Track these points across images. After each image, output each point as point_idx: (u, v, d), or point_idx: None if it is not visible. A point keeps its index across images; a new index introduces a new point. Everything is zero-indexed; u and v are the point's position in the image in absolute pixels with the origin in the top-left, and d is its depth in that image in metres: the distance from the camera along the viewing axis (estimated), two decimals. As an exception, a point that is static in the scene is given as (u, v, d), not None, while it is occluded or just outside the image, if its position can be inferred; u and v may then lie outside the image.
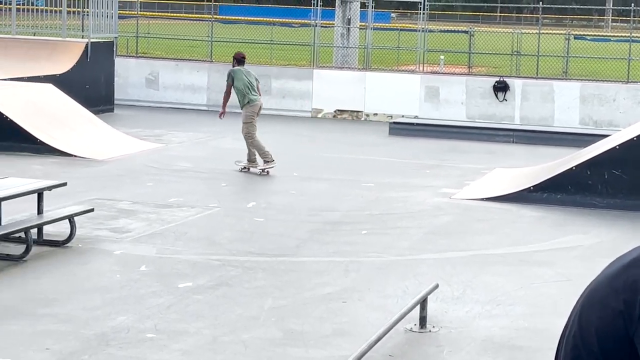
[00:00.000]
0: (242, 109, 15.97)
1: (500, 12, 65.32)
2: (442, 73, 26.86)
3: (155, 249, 10.67)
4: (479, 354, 7.72)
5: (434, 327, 8.27)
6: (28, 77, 20.10)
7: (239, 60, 16.21)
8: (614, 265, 2.62)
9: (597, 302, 2.57)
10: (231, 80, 15.94)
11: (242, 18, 40.57)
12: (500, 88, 23.24)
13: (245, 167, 15.76)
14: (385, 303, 8.94)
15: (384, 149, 19.24)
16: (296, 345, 7.79)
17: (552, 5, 47.43)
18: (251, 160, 15.70)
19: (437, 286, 8.73)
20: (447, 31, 33.89)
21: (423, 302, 8.25)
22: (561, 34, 29.66)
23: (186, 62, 25.96)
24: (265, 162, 15.54)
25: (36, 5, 25.15)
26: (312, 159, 17.52)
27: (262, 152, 15.58)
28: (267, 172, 15.52)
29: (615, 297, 2.53)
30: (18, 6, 24.18)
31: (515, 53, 27.86)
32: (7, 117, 16.70)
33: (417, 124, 21.76)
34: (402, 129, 21.40)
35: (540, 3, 27.42)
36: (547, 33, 29.57)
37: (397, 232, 11.94)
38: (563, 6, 53.50)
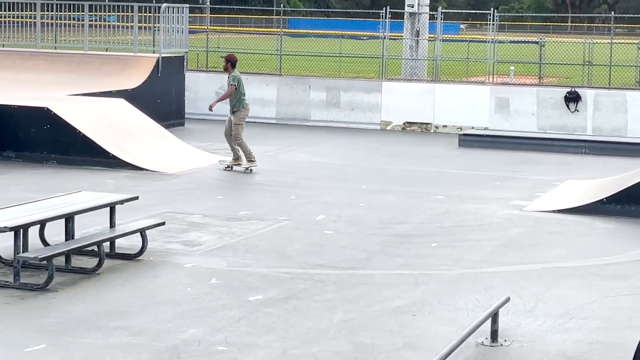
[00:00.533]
0: (233, 113, 17.06)
1: (571, 22, 64.74)
2: (512, 84, 26.65)
3: (225, 262, 10.73)
4: (551, 368, 7.61)
5: (505, 340, 8.18)
6: (100, 92, 20.39)
7: (234, 64, 17.17)
8: None
9: None
10: (237, 83, 17.02)
11: (311, 31, 40.71)
12: (572, 98, 22.99)
13: (229, 166, 16.96)
14: (456, 316, 8.87)
15: (453, 161, 19.13)
16: (366, 358, 7.75)
17: (624, 15, 46.84)
18: (236, 159, 16.96)
19: (508, 299, 8.63)
20: (517, 42, 33.64)
21: (494, 316, 8.16)
22: (634, 43, 29.26)
23: (255, 76, 26.10)
24: (249, 161, 16.82)
25: (108, 22, 25.52)
26: (381, 172, 17.49)
27: (247, 153, 16.84)
28: (251, 170, 16.76)
29: None
30: (90, 22, 24.56)
31: (587, 63, 27.55)
32: (80, 132, 16.95)
33: (487, 136, 21.60)
34: (472, 140, 21.27)
35: (612, 12, 27.10)
36: (619, 42, 29.17)
37: (468, 245, 11.85)
38: (636, 15, 52.81)
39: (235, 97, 17.02)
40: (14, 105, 17.50)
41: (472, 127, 22.98)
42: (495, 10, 25.90)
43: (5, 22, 25.30)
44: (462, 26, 60.49)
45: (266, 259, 10.91)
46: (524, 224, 13.11)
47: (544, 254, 11.44)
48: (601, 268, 10.81)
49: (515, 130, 22.49)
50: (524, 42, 33.99)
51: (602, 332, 8.49)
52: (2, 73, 22.86)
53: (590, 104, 22.89)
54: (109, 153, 16.83)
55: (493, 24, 25.41)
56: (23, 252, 9.77)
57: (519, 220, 13.39)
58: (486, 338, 8.15)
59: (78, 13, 25.22)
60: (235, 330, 8.33)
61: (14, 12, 25.52)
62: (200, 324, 8.46)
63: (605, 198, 13.76)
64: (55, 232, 10.82)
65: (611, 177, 15.58)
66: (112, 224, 10.94)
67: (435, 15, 25.80)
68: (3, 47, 24.96)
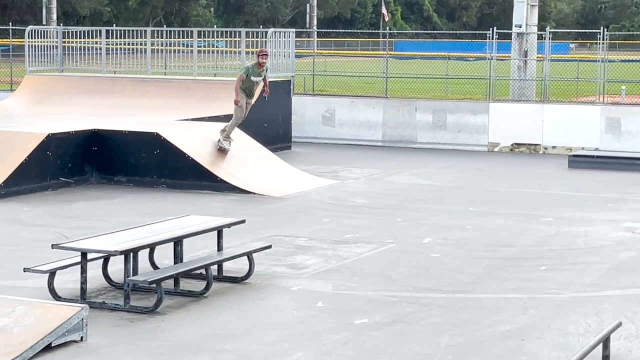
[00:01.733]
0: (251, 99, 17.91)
1: (684, 39, 63.25)
2: (623, 104, 26.12)
3: (331, 285, 10.73)
4: (666, 395, 7.39)
5: (617, 366, 7.98)
6: (209, 117, 20.67)
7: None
8: None
9: None
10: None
11: (418, 53, 40.65)
12: (686, 117, 22.39)
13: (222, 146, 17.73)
14: (566, 341, 8.70)
15: (563, 183, 18.82)
16: (473, 383, 7.65)
17: None
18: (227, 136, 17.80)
19: (620, 324, 8.41)
20: (629, 61, 32.98)
21: (606, 341, 7.96)
22: None
23: (361, 99, 26.15)
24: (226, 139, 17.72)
25: (216, 47, 25.90)
26: (488, 194, 17.31)
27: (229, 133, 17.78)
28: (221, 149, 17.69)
29: None
30: (199, 48, 24.95)
31: (701, 81, 26.83)
32: (189, 157, 17.21)
33: (598, 157, 21.18)
34: (582, 161, 20.89)
35: None
36: None
37: (578, 268, 11.62)
38: None
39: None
40: (125, 131, 17.86)
41: (582, 148, 22.57)
42: (606, 29, 25.45)
43: (117, 49, 25.89)
44: (571, 45, 59.65)
45: (372, 282, 10.88)
46: (636, 247, 12.80)
47: (658, 278, 11.14)
48: None
49: (627, 151, 22.02)
50: (636, 61, 33.31)
51: None
52: (114, 99, 23.38)
53: None
54: (217, 177, 17.04)
55: (603, 43, 24.97)
56: (133, 276, 9.93)
57: (631, 242, 13.08)
58: (597, 364, 7.95)
59: (187, 39, 25.67)
60: (342, 354, 8.31)
61: (125, 40, 26.12)
62: (306, 347, 8.47)
63: None
64: (165, 256, 10.98)
65: None
66: (219, 247, 11.05)
67: (544, 35, 25.48)
68: (115, 73, 25.55)
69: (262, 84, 17.83)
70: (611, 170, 20.14)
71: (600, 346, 7.91)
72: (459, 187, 18.09)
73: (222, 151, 17.62)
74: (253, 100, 17.89)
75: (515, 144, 23.81)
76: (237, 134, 18.94)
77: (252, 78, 17.37)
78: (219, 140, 17.63)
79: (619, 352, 8.29)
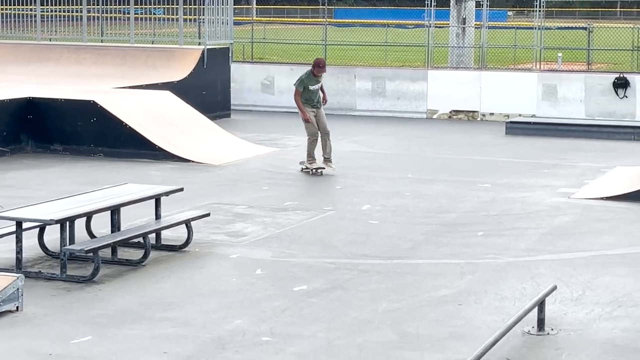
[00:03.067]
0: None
1: (620, 7, 63.94)
2: (560, 71, 26.39)
3: (270, 252, 10.73)
4: (599, 357, 7.52)
5: (552, 329, 8.10)
6: (146, 85, 20.50)
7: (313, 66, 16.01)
8: None
9: None
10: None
11: (357, 21, 40.61)
12: (621, 84, 22.70)
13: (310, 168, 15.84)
14: (502, 305, 8.80)
15: (500, 149, 18.98)
16: (411, 348, 7.72)
17: (674, -2, 46.17)
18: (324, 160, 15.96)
19: (555, 288, 8.54)
20: (565, 28, 33.29)
21: (541, 304, 8.08)
22: (684, 27, 28.80)
23: (301, 66, 26.06)
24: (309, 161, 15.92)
25: (154, 14, 25.64)
26: (427, 160, 17.40)
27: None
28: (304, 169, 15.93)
29: None
30: (136, 15, 24.68)
31: (636, 48, 27.19)
32: (126, 125, 17.06)
33: (535, 123, 21.40)
34: (519, 128, 21.08)
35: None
36: (669, 27, 28.74)
37: (515, 233, 11.75)
38: (686, -1, 52.05)
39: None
40: (62, 99, 17.65)
41: (520, 115, 22.78)
42: (542, -3, 25.62)
43: (52, 16, 25.51)
44: (509, 13, 59.99)
45: (311, 249, 10.90)
46: (571, 212, 12.98)
47: (592, 242, 11.31)
48: (650, 255, 10.66)
49: (563, 117, 22.26)
50: (572, 28, 33.63)
51: (651, 321, 8.37)
52: (50, 67, 23.08)
53: (639, 89, 22.59)
54: (155, 145, 16.91)
55: (540, 11, 25.16)
56: (69, 245, 9.85)
57: (566, 207, 13.25)
58: (533, 327, 8.07)
59: (124, 6, 25.36)
60: (280, 321, 8.32)
61: (61, 7, 25.73)
62: (245, 315, 8.47)
63: (655, 184, 13.57)
64: (102, 225, 10.89)
65: (661, 163, 15.36)
66: (157, 216, 10.99)
67: (482, 3, 25.60)
68: (50, 41, 25.18)
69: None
70: (547, 136, 20.37)
71: (536, 310, 8.03)
72: (398, 154, 18.16)
73: (319, 173, 15.65)
74: (322, 108, 15.97)
75: (454, 111, 23.95)
76: (176, 103, 18.82)
77: (311, 87, 15.72)
78: (305, 167, 15.82)
79: (554, 315, 8.41)
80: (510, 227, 12.09)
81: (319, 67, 15.79)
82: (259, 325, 8.20)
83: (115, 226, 10.50)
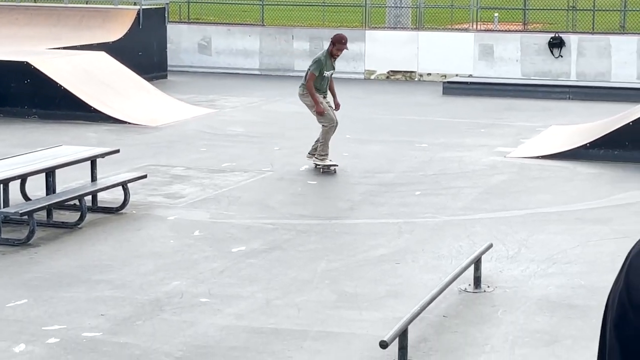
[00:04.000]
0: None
1: (555, -32, 64.28)
2: (496, 31, 26.50)
3: (208, 214, 10.69)
4: (534, 313, 7.63)
5: (488, 287, 8.19)
6: (81, 46, 20.21)
7: (332, 43, 13.24)
8: None
9: None
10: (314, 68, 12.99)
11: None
12: (556, 44, 22.88)
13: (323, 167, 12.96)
14: (439, 264, 8.88)
15: (437, 109, 19.07)
16: (350, 307, 7.76)
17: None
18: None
19: (491, 246, 8.64)
20: (501, -12, 33.37)
21: (477, 262, 8.17)
22: (618, -13, 29.07)
23: (238, 27, 25.89)
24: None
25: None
26: (365, 121, 17.43)
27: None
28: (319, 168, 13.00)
29: None
30: (70, -25, 24.27)
31: (571, 8, 27.40)
32: (61, 86, 16.82)
33: (471, 83, 21.52)
34: (456, 88, 21.18)
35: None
36: (603, -13, 29.01)
37: (452, 193, 11.84)
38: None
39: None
40: (-6, 60, 17.34)
41: (456, 75, 22.87)
42: (479, -44, 25.66)
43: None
44: (446, -27, 60.11)
45: (249, 210, 10.88)
46: (507, 171, 13.10)
47: (528, 200, 11.44)
48: (584, 213, 10.82)
49: (499, 77, 22.40)
50: (508, -12, 33.72)
51: (585, 276, 8.51)
52: (-18, 28, 22.63)
53: (574, 49, 22.80)
54: (91, 107, 16.71)
55: (476, -30, 25.18)
56: (4, 208, 9.71)
57: (502, 166, 13.37)
58: (469, 285, 8.16)
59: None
60: (218, 282, 8.31)
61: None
62: (183, 276, 8.44)
63: (589, 143, 13.75)
64: (37, 187, 10.75)
65: (595, 122, 15.56)
66: (93, 178, 10.89)
67: (418, -38, 25.58)
68: (-18, 1, 24.69)
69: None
70: (484, 96, 20.48)
71: (472, 268, 8.11)
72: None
73: (329, 171, 12.82)
74: (329, 98, 13.19)
75: (392, 71, 23.98)
76: (112, 64, 18.58)
77: (325, 73, 12.88)
78: (316, 165, 12.94)
79: (490, 273, 8.50)
80: (447, 186, 12.18)
81: (340, 43, 12.98)
82: (197, 286, 8.18)
83: (50, 188, 10.38)
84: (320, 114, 12.77)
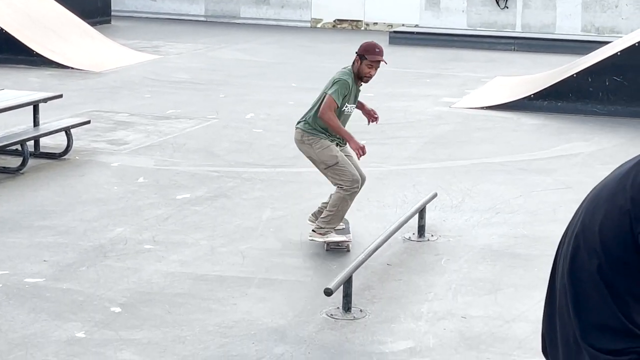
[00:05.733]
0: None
1: None
2: (443, -19, 26.45)
3: (153, 160, 10.61)
4: (477, 261, 7.70)
5: (432, 235, 8.25)
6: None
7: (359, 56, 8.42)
8: (623, 167, 2.56)
9: (604, 200, 2.51)
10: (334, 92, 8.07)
11: None
12: (502, -5, 22.91)
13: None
14: (384, 213, 8.91)
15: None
16: (294, 255, 7.77)
17: None
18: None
19: (435, 195, 8.69)
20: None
21: (421, 211, 8.21)
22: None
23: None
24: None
25: None
26: (311, 70, 17.36)
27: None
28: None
29: (623, 195, 2.47)
30: None
31: (517, -40, 27.40)
32: (2, 29, 16.50)
33: (418, 33, 21.50)
34: (402, 38, 21.16)
35: None
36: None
37: (397, 142, 11.87)
38: None
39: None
40: None
41: (403, 25, 22.84)
42: None
43: None
44: None
45: (194, 157, 10.82)
46: (452, 121, 13.16)
47: (472, 150, 11.51)
48: (528, 163, 10.91)
49: (445, 28, 22.42)
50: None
51: (527, 226, 8.60)
52: None
53: (519, 0, 22.86)
54: (33, 51, 16.43)
55: None
56: (-56, 152, 9.56)
57: (448, 117, 13.42)
58: (413, 233, 8.21)
59: None
60: (163, 229, 8.27)
61: None
62: (127, 223, 8.39)
63: (533, 94, 13.84)
64: (-23, 132, 10.59)
65: (539, 73, 15.66)
66: (35, 123, 10.74)
67: None
68: None
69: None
70: (430, 46, 20.50)
71: (417, 217, 8.16)
72: (282, 63, 18.07)
73: (339, 247, 7.89)
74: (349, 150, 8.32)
75: (338, 20, 23.88)
76: (54, 7, 18.26)
77: (347, 106, 8.19)
78: (326, 240, 7.92)
79: (434, 222, 8.56)
80: (393, 135, 12.20)
81: (373, 53, 8.35)
82: (141, 233, 8.14)
83: (-9, 133, 10.23)
84: (359, 151, 8.08)
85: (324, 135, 8.07)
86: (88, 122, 11.18)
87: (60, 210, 8.71)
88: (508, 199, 9.44)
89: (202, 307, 6.63)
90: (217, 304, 6.69)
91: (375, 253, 7.24)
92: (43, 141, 10.70)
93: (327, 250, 7.87)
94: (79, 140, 11.02)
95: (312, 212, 8.33)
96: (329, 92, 7.96)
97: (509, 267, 7.60)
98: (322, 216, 7.95)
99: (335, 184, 8.02)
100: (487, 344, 6.16)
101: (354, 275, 6.66)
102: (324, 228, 7.88)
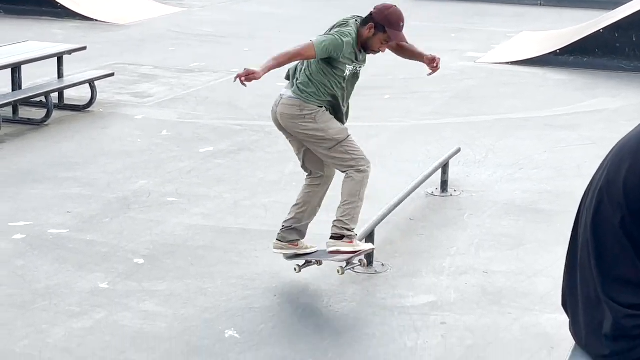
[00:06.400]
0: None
1: None
2: None
3: (176, 113, 10.62)
4: (500, 217, 7.68)
5: (455, 190, 8.23)
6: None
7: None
8: None
9: (628, 154, 2.49)
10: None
11: None
12: (529, -51, 22.64)
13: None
14: (407, 167, 8.89)
15: (409, 13, 18.81)
16: (317, 208, 7.76)
17: None
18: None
19: (459, 150, 8.65)
20: None
21: (445, 166, 8.19)
22: None
23: None
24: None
25: None
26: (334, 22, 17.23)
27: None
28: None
29: None
30: None
31: None
32: (26, -19, 16.51)
33: (443, -13, 21.29)
34: (427, -8, 20.97)
35: None
36: None
37: (420, 97, 11.81)
38: None
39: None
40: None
41: (428, -22, 22.63)
42: None
43: None
44: None
45: (217, 110, 10.82)
46: (477, 76, 13.08)
47: (497, 106, 11.44)
48: (553, 119, 10.85)
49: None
50: None
51: (550, 182, 8.56)
52: None
53: (547, -45, 22.58)
54: (57, 3, 16.43)
55: None
56: (-31, 103, 9.60)
57: (472, 72, 13.34)
58: (436, 188, 8.19)
59: None
60: (186, 182, 8.29)
61: None
62: (150, 175, 8.41)
63: (559, 49, 13.73)
64: (2, 84, 10.61)
65: (565, 28, 15.51)
66: (60, 75, 10.75)
67: None
68: None
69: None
70: (455, 0, 20.32)
71: (440, 171, 8.13)
72: (306, 17, 17.98)
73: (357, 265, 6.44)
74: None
75: (363, -27, 23.67)
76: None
77: (347, 68, 6.57)
78: (349, 261, 6.35)
79: (457, 177, 8.54)
80: (416, 90, 12.15)
81: (397, 27, 6.92)
82: (164, 186, 8.16)
83: (16, 84, 10.25)
84: (347, 136, 6.61)
85: (319, 98, 6.46)
86: (112, 74, 11.18)
87: (84, 162, 8.75)
88: (532, 154, 9.39)
89: (225, 259, 6.66)
90: (239, 257, 6.71)
91: (398, 208, 7.23)
92: (67, 93, 10.72)
93: (346, 269, 6.29)
94: (102, 92, 11.03)
95: (280, 231, 6.42)
96: (314, 40, 6.38)
97: (532, 223, 7.57)
98: (340, 214, 6.23)
99: (345, 168, 6.31)
100: (508, 299, 6.16)
101: (376, 229, 6.66)
102: (350, 229, 6.20)
